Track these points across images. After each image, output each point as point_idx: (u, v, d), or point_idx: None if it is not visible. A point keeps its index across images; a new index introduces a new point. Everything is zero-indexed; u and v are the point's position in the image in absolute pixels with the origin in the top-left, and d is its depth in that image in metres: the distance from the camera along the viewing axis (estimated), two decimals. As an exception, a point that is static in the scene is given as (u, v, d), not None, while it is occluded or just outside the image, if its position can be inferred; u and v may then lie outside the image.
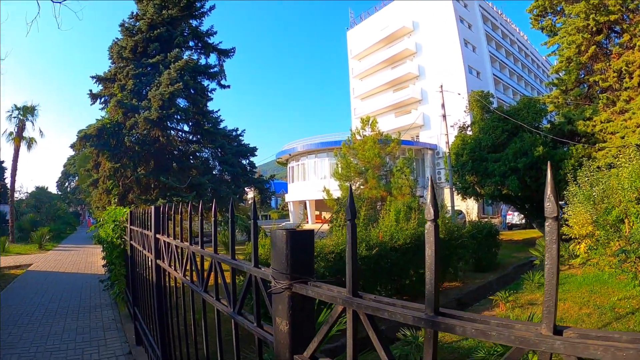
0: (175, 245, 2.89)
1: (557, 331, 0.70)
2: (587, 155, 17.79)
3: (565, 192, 12.60)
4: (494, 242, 15.01)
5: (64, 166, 66.26)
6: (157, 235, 3.65)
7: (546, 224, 0.68)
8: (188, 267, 2.58)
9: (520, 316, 8.30)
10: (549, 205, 0.68)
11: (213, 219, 2.05)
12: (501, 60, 52.84)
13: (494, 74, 49.63)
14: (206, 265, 2.29)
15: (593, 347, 0.64)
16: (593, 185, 11.54)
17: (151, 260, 3.95)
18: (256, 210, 1.64)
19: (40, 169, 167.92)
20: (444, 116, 26.60)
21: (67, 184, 67.54)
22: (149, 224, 4.03)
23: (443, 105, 27.02)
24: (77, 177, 52.81)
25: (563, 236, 12.85)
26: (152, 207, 3.84)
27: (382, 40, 51.79)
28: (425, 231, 0.84)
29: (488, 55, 49.57)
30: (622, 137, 18.44)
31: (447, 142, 26.36)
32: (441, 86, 27.65)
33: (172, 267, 3.03)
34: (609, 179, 11.03)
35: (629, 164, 10.61)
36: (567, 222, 11.75)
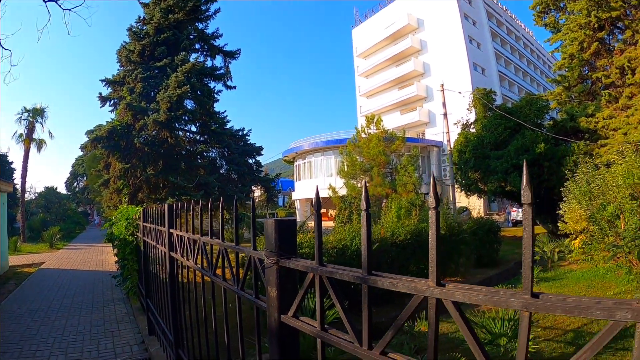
0: (188, 238, 3.25)
1: (441, 284, 1.08)
2: (590, 152, 17.90)
3: (562, 189, 12.84)
4: (495, 239, 15.02)
5: (73, 166, 66.61)
6: (171, 230, 4.04)
7: (430, 213, 1.07)
8: (199, 257, 2.96)
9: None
10: (431, 199, 1.06)
11: (220, 213, 2.45)
12: (506, 56, 52.84)
13: (499, 71, 49.66)
14: (213, 256, 2.69)
15: (457, 292, 1.02)
16: (590, 182, 11.77)
17: (165, 253, 4.32)
18: (254, 206, 2.04)
19: (49, 170, 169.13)
20: (445, 115, 26.88)
21: (75, 184, 67.99)
22: (162, 220, 4.40)
23: (444, 104, 27.32)
24: (85, 177, 53.33)
25: (558, 232, 13.12)
26: (166, 205, 4.22)
27: (387, 38, 51.98)
28: (361, 217, 1.23)
29: (493, 52, 49.61)
30: (625, 134, 18.45)
31: (449, 141, 26.64)
32: (442, 85, 27.93)
33: (185, 258, 3.41)
34: (604, 176, 11.28)
35: (622, 162, 10.86)
36: (562, 218, 11.99)
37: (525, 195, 0.91)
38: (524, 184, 0.92)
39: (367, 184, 19.87)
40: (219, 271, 2.57)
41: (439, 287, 1.06)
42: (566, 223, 11.66)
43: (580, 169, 12.65)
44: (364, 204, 1.24)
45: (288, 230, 1.73)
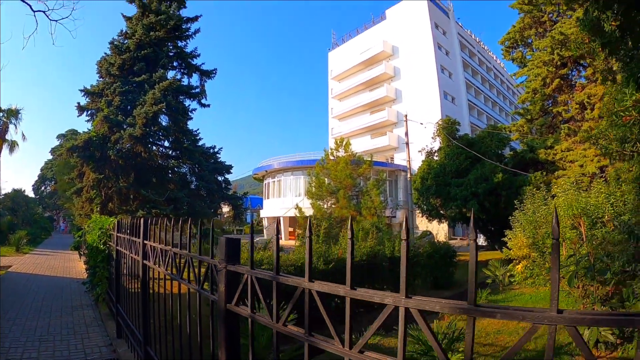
0: (161, 249, 3.90)
1: (311, 281, 1.82)
2: (547, 182, 18.88)
3: (510, 218, 13.83)
4: (451, 262, 15.71)
5: (41, 170, 65.37)
6: (145, 241, 4.66)
7: (304, 236, 1.82)
8: (169, 265, 3.63)
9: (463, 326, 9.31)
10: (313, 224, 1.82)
11: (189, 229, 3.16)
12: (477, 86, 54.69)
13: (469, 100, 51.30)
14: (181, 264, 3.39)
15: (318, 286, 1.77)
16: (536, 211, 12.76)
17: (138, 261, 4.91)
18: (213, 224, 2.78)
19: (16, 170, 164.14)
20: (407, 143, 27.95)
21: (43, 187, 66.68)
22: (137, 232, 4.99)
23: (407, 134, 28.39)
24: (54, 182, 52.55)
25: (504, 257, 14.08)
26: (142, 219, 4.82)
27: (362, 62, 53.42)
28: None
29: (464, 82, 51.31)
30: (581, 166, 19.50)
31: (410, 169, 27.76)
32: (405, 116, 29.07)
33: (157, 265, 4.06)
34: (549, 207, 12.25)
35: (563, 195, 11.84)
36: (507, 245, 12.94)
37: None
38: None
39: (333, 206, 20.83)
40: (184, 277, 3.25)
41: (310, 282, 1.80)
42: (510, 250, 12.62)
43: (527, 199, 13.64)
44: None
45: (234, 245, 2.48)
